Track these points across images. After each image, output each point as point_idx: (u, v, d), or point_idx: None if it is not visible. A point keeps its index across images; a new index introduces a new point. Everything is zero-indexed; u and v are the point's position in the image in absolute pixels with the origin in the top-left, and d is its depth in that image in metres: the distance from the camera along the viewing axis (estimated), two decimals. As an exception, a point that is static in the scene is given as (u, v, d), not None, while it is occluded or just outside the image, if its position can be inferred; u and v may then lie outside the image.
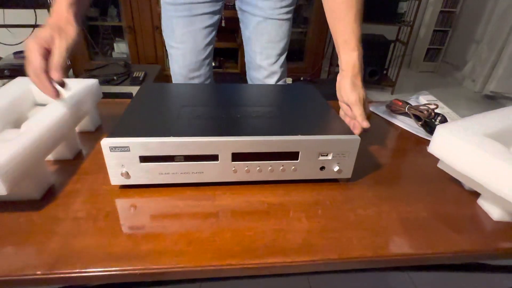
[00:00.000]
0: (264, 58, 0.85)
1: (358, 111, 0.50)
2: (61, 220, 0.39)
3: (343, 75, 0.55)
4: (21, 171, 0.37)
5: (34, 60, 0.40)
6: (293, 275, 0.38)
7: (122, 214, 0.41)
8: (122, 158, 0.41)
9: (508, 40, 2.25)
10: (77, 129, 0.58)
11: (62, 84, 0.43)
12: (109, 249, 0.35)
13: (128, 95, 1.80)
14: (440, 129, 0.44)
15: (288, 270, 0.36)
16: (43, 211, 0.40)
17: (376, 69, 2.39)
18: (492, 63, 2.36)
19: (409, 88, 2.67)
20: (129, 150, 0.41)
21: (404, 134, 0.67)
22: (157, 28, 2.16)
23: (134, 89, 1.79)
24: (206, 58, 0.87)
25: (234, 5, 0.89)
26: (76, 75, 2.24)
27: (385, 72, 2.59)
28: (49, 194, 0.43)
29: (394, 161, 0.57)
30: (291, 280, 0.44)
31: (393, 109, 0.74)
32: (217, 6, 0.81)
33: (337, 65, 0.59)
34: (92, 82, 0.57)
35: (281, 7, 0.79)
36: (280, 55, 0.86)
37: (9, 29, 1.96)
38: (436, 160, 0.48)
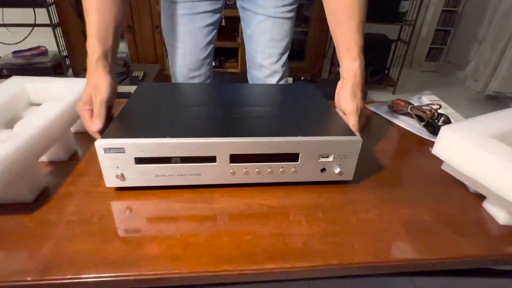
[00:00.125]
0: (265, 57, 0.84)
1: (353, 122, 0.49)
2: (53, 223, 0.38)
3: (344, 83, 0.54)
4: (13, 173, 0.36)
5: (84, 120, 0.48)
6: (293, 281, 0.37)
7: (117, 217, 0.40)
8: (117, 159, 0.40)
9: (511, 39, 2.23)
10: (72, 129, 0.57)
11: (110, 120, 0.48)
12: (102, 254, 0.34)
13: (127, 95, 1.78)
14: (444, 130, 0.43)
15: (288, 276, 0.35)
16: (35, 214, 0.39)
17: (377, 68, 2.37)
18: (495, 63, 2.34)
19: (410, 88, 2.65)
20: (124, 152, 0.40)
21: (406, 135, 0.66)
22: (157, 27, 2.15)
23: (133, 89, 1.77)
24: (206, 57, 0.86)
25: (234, 4, 0.88)
26: (76, 75, 2.23)
27: (386, 71, 2.58)
28: (42, 197, 0.42)
29: (396, 162, 0.56)
30: (290, 285, 0.43)
31: (395, 109, 0.73)
32: (218, 4, 0.80)
33: (338, 65, 0.58)
34: (88, 81, 0.56)
35: (284, 5, 0.77)
36: (282, 54, 0.85)
37: (8, 28, 1.95)
38: (440, 161, 0.46)
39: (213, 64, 0.93)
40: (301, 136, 0.43)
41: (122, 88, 1.80)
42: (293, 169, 0.44)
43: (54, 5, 1.98)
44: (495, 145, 0.40)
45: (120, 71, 1.90)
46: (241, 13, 0.85)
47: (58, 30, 2.04)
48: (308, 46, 2.44)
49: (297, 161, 0.44)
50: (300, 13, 2.40)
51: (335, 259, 0.36)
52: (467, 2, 2.80)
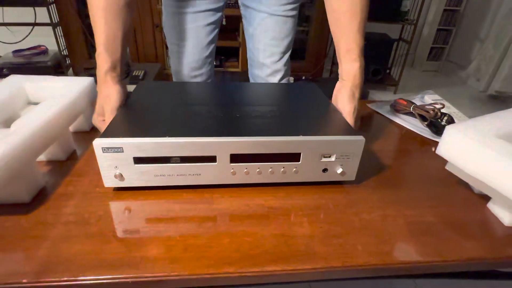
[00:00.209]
0: (267, 56, 0.83)
1: (349, 122, 0.49)
2: (51, 224, 0.37)
3: (343, 84, 0.53)
4: (10, 173, 0.36)
5: (101, 131, 0.49)
6: (294, 283, 0.36)
7: (115, 218, 0.39)
8: (116, 159, 0.39)
9: (513, 38, 2.22)
10: (71, 128, 0.56)
11: None
12: (100, 256, 0.34)
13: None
14: (449, 130, 0.42)
15: (289, 278, 0.35)
16: (32, 215, 0.38)
17: (379, 68, 2.36)
18: (497, 62, 2.32)
19: (412, 88, 2.64)
20: (122, 151, 0.39)
21: (409, 135, 0.65)
22: (157, 26, 2.14)
23: (133, 88, 1.77)
24: (208, 56, 0.85)
25: (235, 3, 0.87)
26: (76, 74, 2.23)
27: (388, 71, 2.56)
28: (40, 197, 0.41)
29: (399, 162, 0.55)
30: (291, 287, 0.43)
31: (397, 108, 0.72)
32: (220, 3, 0.79)
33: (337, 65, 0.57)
34: (87, 80, 0.55)
35: (286, 4, 0.77)
36: (284, 53, 0.84)
37: (8, 27, 1.95)
38: (443, 161, 0.46)
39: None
40: (302, 135, 0.42)
41: (122, 88, 1.79)
42: (294, 169, 0.44)
43: (54, 4, 1.97)
44: (501, 145, 0.39)
45: (120, 70, 1.89)
46: (243, 11, 0.84)
47: (59, 29, 2.04)
48: (309, 45, 2.43)
49: (299, 161, 0.43)
50: (301, 12, 2.39)
51: (338, 261, 0.35)
52: (469, 1, 2.79)
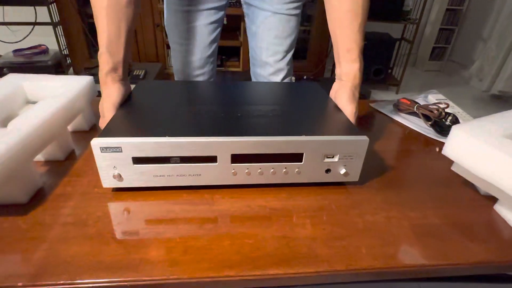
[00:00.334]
0: (270, 55, 0.82)
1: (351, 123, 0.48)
2: (48, 225, 0.37)
3: (342, 85, 0.52)
4: (6, 173, 0.35)
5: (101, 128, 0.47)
6: (297, 286, 0.35)
7: (114, 219, 0.38)
8: (114, 159, 0.39)
9: (516, 38, 2.20)
10: (69, 128, 0.55)
11: None
12: (98, 258, 0.33)
13: (129, 94, 1.77)
14: (455, 130, 0.41)
15: (292, 282, 0.34)
16: (29, 216, 0.38)
17: (381, 67, 2.35)
18: (500, 62, 2.31)
19: (414, 87, 2.62)
20: (121, 151, 0.38)
21: (413, 135, 0.64)
22: (158, 26, 2.14)
23: (133, 87, 1.77)
24: (210, 55, 0.84)
25: (236, 2, 0.86)
26: (76, 73, 2.23)
27: (390, 71, 2.55)
28: (37, 198, 0.41)
29: (403, 163, 0.54)
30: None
31: (400, 108, 0.71)
32: (222, 1, 0.79)
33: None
34: (86, 79, 0.55)
35: (290, 2, 0.76)
36: (287, 52, 0.83)
37: (9, 26, 1.94)
38: (448, 162, 0.45)
39: (215, 62, 0.92)
40: (305, 135, 0.41)
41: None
42: (296, 170, 0.43)
43: (55, 3, 1.97)
44: (508, 145, 0.38)
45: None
46: (245, 10, 0.83)
47: (59, 29, 2.03)
48: (311, 45, 2.42)
49: (301, 161, 0.42)
50: (303, 11, 2.36)
51: (342, 264, 0.34)
52: (472, 0, 2.77)
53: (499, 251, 0.37)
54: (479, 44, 2.70)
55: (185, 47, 0.81)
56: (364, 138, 0.42)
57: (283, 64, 0.83)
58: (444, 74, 3.03)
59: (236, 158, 0.41)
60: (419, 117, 0.67)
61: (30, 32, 1.98)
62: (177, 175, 0.41)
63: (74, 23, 2.06)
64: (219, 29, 0.83)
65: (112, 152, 0.38)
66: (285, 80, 0.86)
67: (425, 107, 0.66)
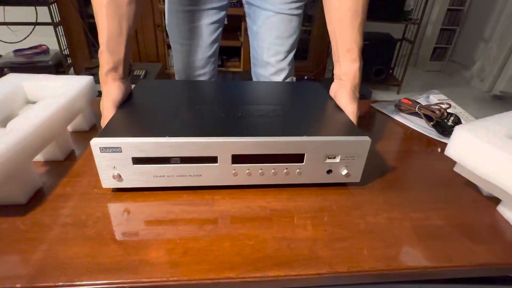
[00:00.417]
0: (272, 55, 0.82)
1: (353, 123, 0.47)
2: (47, 226, 0.36)
3: (342, 85, 0.52)
4: (5, 173, 0.35)
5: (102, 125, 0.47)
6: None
7: (113, 220, 0.38)
8: (114, 159, 0.38)
9: (518, 38, 2.20)
10: (69, 128, 0.55)
11: None
12: (97, 259, 0.33)
13: (129, 94, 1.77)
14: (458, 130, 0.41)
15: (293, 284, 0.33)
16: (28, 217, 0.37)
17: (382, 68, 2.34)
18: (502, 62, 2.30)
19: (415, 88, 2.62)
20: (121, 151, 0.38)
21: (414, 135, 0.64)
22: (159, 26, 2.14)
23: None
24: (212, 55, 0.84)
25: (237, 2, 0.86)
26: (77, 73, 2.23)
27: (391, 71, 2.55)
28: (36, 198, 0.40)
29: (405, 163, 0.53)
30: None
31: (402, 108, 0.70)
32: (224, 1, 0.78)
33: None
34: (86, 79, 0.54)
35: (292, 2, 0.75)
36: (289, 52, 0.82)
37: (10, 26, 1.94)
38: (450, 162, 0.44)
39: (215, 63, 0.91)
40: (306, 136, 0.41)
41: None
42: (297, 171, 0.42)
43: (55, 4, 1.97)
44: (512, 146, 0.37)
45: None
46: (247, 9, 0.83)
47: (60, 29, 2.04)
48: (312, 45, 2.42)
49: (302, 162, 0.42)
50: (304, 12, 2.37)
51: (343, 266, 0.34)
52: (473, 0, 2.77)
53: (502, 253, 0.37)
54: (481, 45, 2.69)
55: (186, 47, 0.81)
56: (366, 138, 0.42)
57: (285, 64, 0.83)
58: (445, 75, 3.02)
59: (237, 159, 0.40)
60: (421, 118, 0.67)
61: (30, 32, 1.98)
62: (177, 176, 0.41)
63: (75, 23, 2.06)
64: (220, 29, 0.83)
65: (111, 152, 0.38)
66: (287, 80, 0.86)
67: (427, 107, 0.66)
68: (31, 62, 1.99)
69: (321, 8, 0.57)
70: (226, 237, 0.36)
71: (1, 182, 0.34)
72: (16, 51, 2.00)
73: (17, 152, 0.36)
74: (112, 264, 0.32)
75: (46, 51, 2.09)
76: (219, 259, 0.34)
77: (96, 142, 0.37)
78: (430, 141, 0.61)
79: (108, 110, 0.46)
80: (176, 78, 0.87)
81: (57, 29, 1.99)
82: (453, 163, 0.44)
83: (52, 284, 0.30)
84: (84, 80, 0.54)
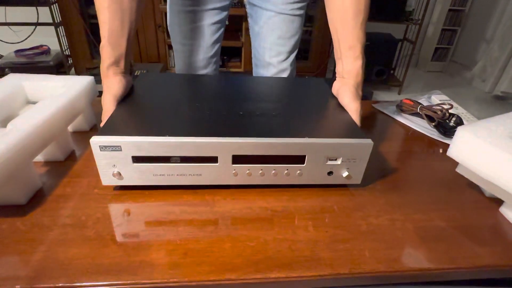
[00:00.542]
0: (274, 55, 0.81)
1: (356, 121, 0.47)
2: (47, 227, 0.36)
3: (345, 83, 0.51)
4: (5, 173, 0.34)
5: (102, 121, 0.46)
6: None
7: (113, 221, 0.38)
8: (114, 158, 0.38)
9: (519, 39, 2.19)
10: (70, 128, 0.55)
11: None
12: (97, 260, 0.32)
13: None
14: (461, 131, 0.40)
15: (294, 286, 0.33)
16: (28, 217, 0.37)
17: (383, 68, 2.34)
18: (503, 63, 2.29)
19: (416, 88, 2.61)
20: (120, 150, 0.38)
21: (416, 136, 0.63)
22: (160, 26, 2.14)
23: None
24: (213, 56, 0.84)
25: (238, 2, 0.86)
26: (78, 74, 2.23)
27: (392, 71, 2.54)
28: (36, 199, 0.40)
29: (406, 164, 0.53)
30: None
31: (403, 109, 0.70)
32: (226, 2, 0.78)
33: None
34: (87, 79, 0.54)
35: (294, 2, 0.75)
36: (291, 52, 0.82)
37: (11, 27, 1.95)
38: (452, 163, 0.44)
39: (217, 63, 0.91)
40: (308, 137, 0.40)
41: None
42: (298, 172, 0.42)
43: (56, 4, 1.97)
44: (515, 147, 0.37)
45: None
46: (248, 10, 0.83)
47: (61, 29, 2.04)
48: (313, 45, 2.42)
49: (303, 163, 0.41)
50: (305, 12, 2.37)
51: (345, 268, 0.33)
52: (475, 1, 2.76)
53: (505, 255, 0.37)
54: (482, 45, 2.69)
55: (188, 47, 0.80)
56: (369, 141, 0.41)
57: (287, 64, 0.83)
58: (447, 75, 3.01)
59: (237, 159, 0.40)
60: (423, 118, 0.66)
61: (32, 33, 1.98)
62: (177, 175, 0.41)
63: (76, 24, 2.07)
64: (222, 30, 0.83)
65: (111, 150, 0.38)
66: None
67: (429, 108, 0.65)
68: (32, 63, 1.99)
69: (322, 8, 0.57)
70: (226, 238, 0.36)
71: (1, 182, 0.34)
72: (17, 51, 2.01)
73: (17, 152, 0.36)
74: (112, 265, 0.32)
75: (47, 51, 2.09)
76: (220, 260, 0.33)
77: (96, 141, 0.37)
78: (432, 142, 0.61)
79: (108, 104, 0.46)
80: None
81: (58, 29, 1.99)
82: (455, 164, 0.44)
83: (51, 285, 0.30)
84: (84, 80, 0.54)
